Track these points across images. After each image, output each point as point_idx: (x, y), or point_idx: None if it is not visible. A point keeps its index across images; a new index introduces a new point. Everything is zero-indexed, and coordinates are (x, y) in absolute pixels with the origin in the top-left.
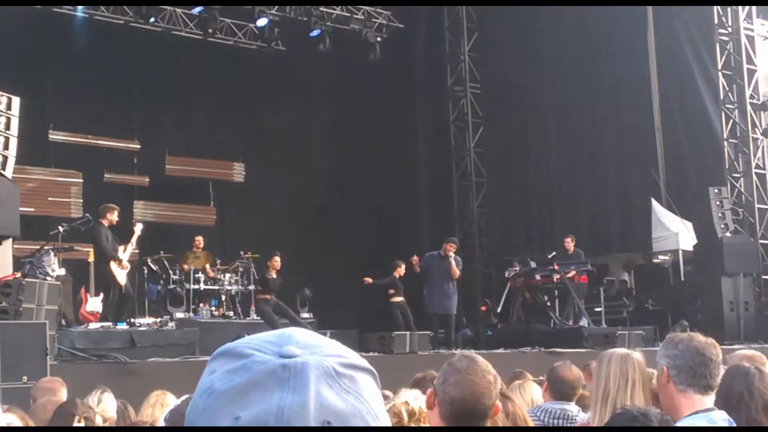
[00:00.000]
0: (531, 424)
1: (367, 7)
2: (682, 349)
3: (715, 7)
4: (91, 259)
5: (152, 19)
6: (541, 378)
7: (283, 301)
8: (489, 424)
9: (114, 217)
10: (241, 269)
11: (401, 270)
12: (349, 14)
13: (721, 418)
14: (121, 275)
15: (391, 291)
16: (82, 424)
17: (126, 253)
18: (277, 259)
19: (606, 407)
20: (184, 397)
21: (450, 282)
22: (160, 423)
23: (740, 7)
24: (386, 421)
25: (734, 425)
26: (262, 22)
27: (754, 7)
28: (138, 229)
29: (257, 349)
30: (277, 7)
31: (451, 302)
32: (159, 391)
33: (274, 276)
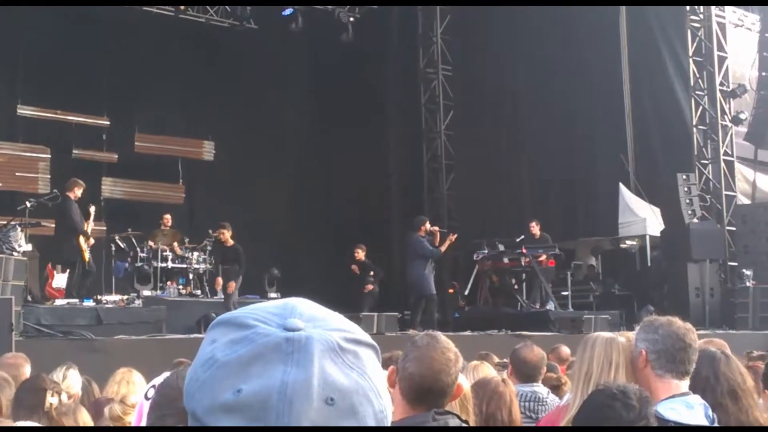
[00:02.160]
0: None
1: None
2: (663, 334)
3: None
4: None
5: None
6: (505, 360)
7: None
8: (451, 403)
9: (79, 192)
10: (209, 248)
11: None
12: None
13: (698, 403)
14: (88, 250)
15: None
16: (55, 399)
17: (88, 229)
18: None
19: (587, 389)
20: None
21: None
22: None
23: None
24: (387, 399)
25: (709, 409)
26: None
27: None
28: (92, 210)
29: (261, 320)
30: None
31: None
32: (125, 368)
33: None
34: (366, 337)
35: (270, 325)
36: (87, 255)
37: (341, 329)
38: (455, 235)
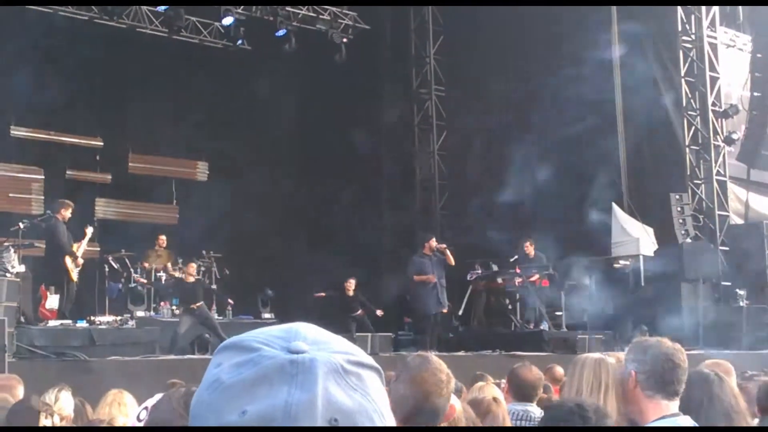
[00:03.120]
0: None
1: (334, 8)
2: (652, 354)
3: (678, 14)
4: None
5: (117, 16)
6: (500, 381)
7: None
8: (444, 425)
9: (68, 213)
10: (203, 268)
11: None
12: (315, 15)
13: (688, 423)
14: (75, 271)
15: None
16: (48, 421)
17: (78, 252)
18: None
19: None
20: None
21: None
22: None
23: (704, 15)
24: (391, 420)
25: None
26: (228, 20)
27: (717, 15)
28: (89, 231)
29: (265, 343)
30: (243, 6)
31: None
32: (116, 390)
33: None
34: (369, 359)
35: (274, 347)
36: (74, 275)
37: (345, 352)
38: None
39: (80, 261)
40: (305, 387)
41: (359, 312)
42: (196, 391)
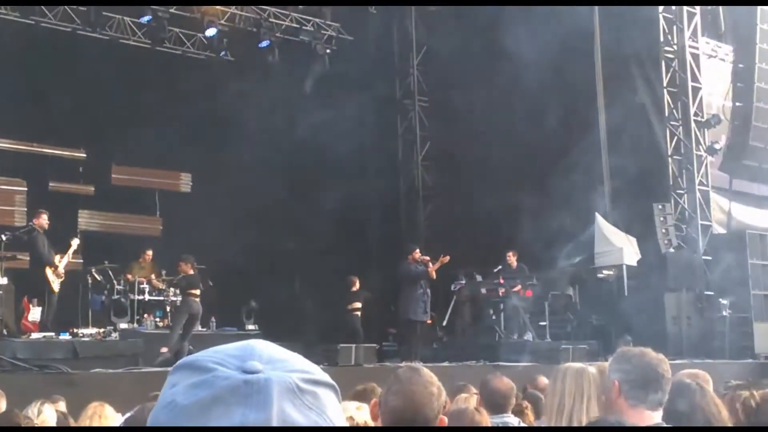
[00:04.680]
0: None
1: (317, 20)
2: (635, 364)
3: (661, 24)
4: None
5: (100, 28)
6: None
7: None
8: None
9: (42, 221)
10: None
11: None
12: (298, 26)
13: None
14: (56, 282)
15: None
16: None
17: (61, 263)
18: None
19: (561, 420)
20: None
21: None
22: None
23: (686, 26)
24: None
25: None
26: (211, 32)
27: (699, 26)
28: (74, 243)
29: (220, 363)
30: (227, 16)
31: None
32: (97, 402)
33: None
34: (325, 377)
35: (229, 367)
36: (55, 287)
37: (300, 370)
38: (447, 257)
39: (62, 272)
40: (260, 407)
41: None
42: (152, 412)
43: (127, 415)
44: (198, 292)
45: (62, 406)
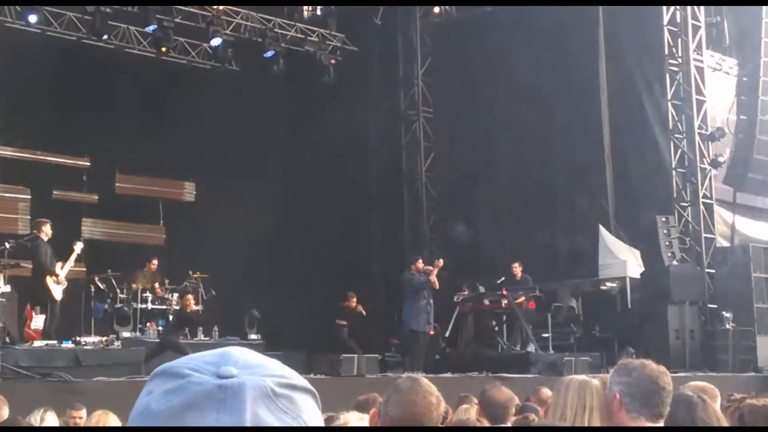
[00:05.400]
0: None
1: (322, 30)
2: (636, 376)
3: (665, 37)
4: None
5: (105, 37)
6: None
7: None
8: None
9: (47, 229)
10: (189, 289)
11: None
12: (303, 36)
13: None
14: (56, 291)
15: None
16: None
17: (63, 270)
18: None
19: None
20: None
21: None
22: None
23: (690, 39)
24: None
25: None
26: (216, 41)
27: (704, 39)
28: (77, 248)
29: (195, 369)
30: (231, 26)
31: None
32: (101, 411)
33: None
34: (303, 382)
35: (204, 373)
36: (56, 295)
37: (275, 375)
38: (441, 260)
39: (63, 280)
40: (233, 412)
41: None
42: (129, 419)
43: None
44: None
45: (83, 413)
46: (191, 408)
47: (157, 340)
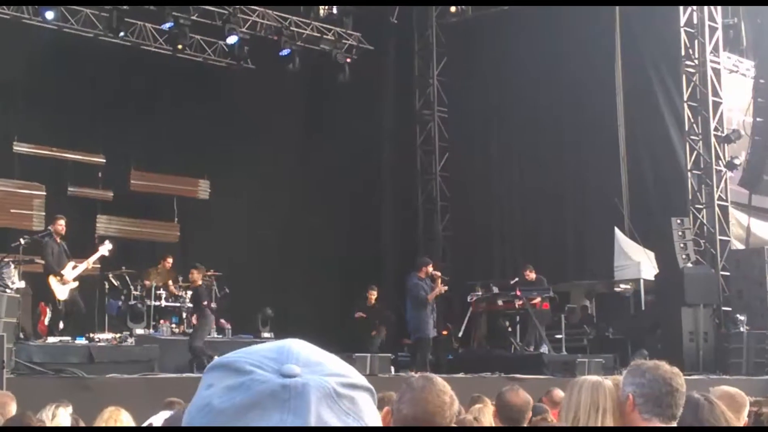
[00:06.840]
0: None
1: (338, 29)
2: (650, 378)
3: (682, 38)
4: None
5: (122, 34)
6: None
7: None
8: None
9: (58, 226)
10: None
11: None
12: (319, 35)
13: None
14: (60, 290)
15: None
16: None
17: (77, 269)
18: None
19: None
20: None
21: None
22: None
23: (707, 40)
24: None
25: None
26: (232, 39)
27: (721, 41)
28: (103, 248)
29: (257, 365)
30: (248, 24)
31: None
32: (113, 407)
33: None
34: (362, 380)
35: (266, 370)
36: (59, 295)
37: (337, 374)
38: (446, 288)
39: (68, 279)
40: (298, 413)
41: (374, 332)
42: (187, 412)
43: (155, 419)
44: (211, 303)
45: (69, 410)
46: (255, 407)
47: (171, 337)
